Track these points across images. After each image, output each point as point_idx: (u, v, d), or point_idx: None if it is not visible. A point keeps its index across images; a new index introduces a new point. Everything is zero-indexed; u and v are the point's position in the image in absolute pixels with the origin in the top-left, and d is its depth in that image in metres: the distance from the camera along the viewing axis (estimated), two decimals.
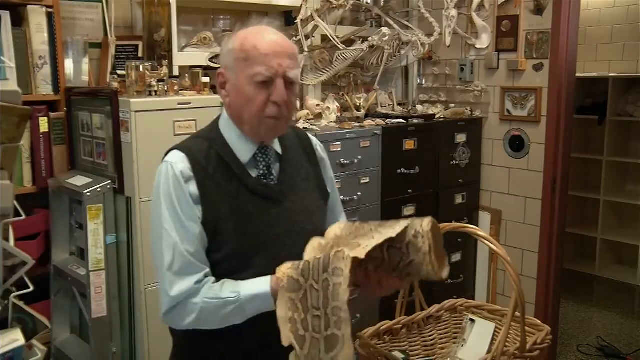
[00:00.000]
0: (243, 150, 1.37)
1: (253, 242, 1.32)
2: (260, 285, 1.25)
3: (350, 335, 1.06)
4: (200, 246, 1.31)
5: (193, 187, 1.30)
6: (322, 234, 1.41)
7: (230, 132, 1.38)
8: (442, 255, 1.12)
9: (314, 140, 1.57)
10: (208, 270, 1.31)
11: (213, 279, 1.31)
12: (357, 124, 2.79)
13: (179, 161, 1.31)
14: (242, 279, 1.30)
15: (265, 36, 1.31)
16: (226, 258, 1.32)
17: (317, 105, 2.82)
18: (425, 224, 1.08)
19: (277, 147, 1.43)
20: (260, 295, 1.24)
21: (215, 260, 1.32)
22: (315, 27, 2.81)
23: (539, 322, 1.36)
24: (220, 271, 1.32)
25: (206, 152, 1.34)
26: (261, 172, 1.38)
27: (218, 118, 1.43)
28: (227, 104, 1.38)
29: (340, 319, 1.06)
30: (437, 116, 3.20)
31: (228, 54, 1.34)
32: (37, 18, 2.17)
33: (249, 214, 1.33)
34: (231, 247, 1.31)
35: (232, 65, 1.32)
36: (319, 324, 1.09)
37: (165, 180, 1.31)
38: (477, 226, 3.21)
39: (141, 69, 2.17)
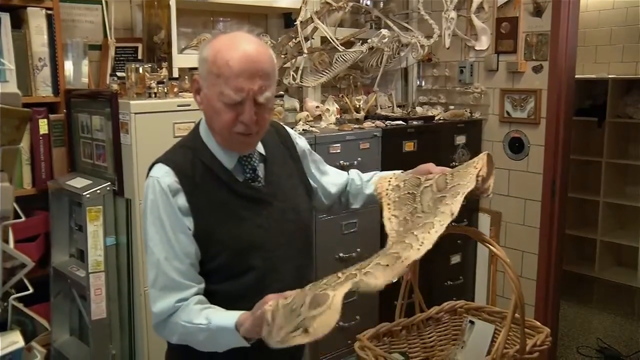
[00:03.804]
0: (227, 156, 1.35)
1: (248, 246, 1.32)
2: (229, 318, 1.20)
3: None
4: (191, 262, 1.29)
5: (182, 200, 1.29)
6: (310, 228, 1.49)
7: (210, 140, 1.35)
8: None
9: (292, 132, 1.56)
10: (196, 288, 1.29)
11: (197, 298, 1.28)
12: (356, 126, 2.79)
13: (164, 175, 1.30)
14: (243, 284, 1.31)
15: (239, 50, 1.24)
16: (224, 265, 1.31)
17: (317, 107, 2.83)
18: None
19: (259, 147, 1.41)
20: (226, 328, 1.19)
21: (213, 269, 1.31)
22: (315, 29, 2.81)
23: (538, 324, 1.35)
24: (219, 278, 1.32)
25: (191, 161, 1.32)
26: (248, 175, 1.37)
27: (198, 124, 1.40)
28: (203, 111, 1.35)
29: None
30: (436, 118, 3.20)
31: (202, 63, 1.28)
32: (36, 20, 2.17)
33: (241, 219, 1.32)
34: (227, 254, 1.31)
35: (205, 76, 1.28)
36: None
37: (152, 197, 1.30)
38: (477, 228, 3.23)
39: (141, 70, 2.18)
